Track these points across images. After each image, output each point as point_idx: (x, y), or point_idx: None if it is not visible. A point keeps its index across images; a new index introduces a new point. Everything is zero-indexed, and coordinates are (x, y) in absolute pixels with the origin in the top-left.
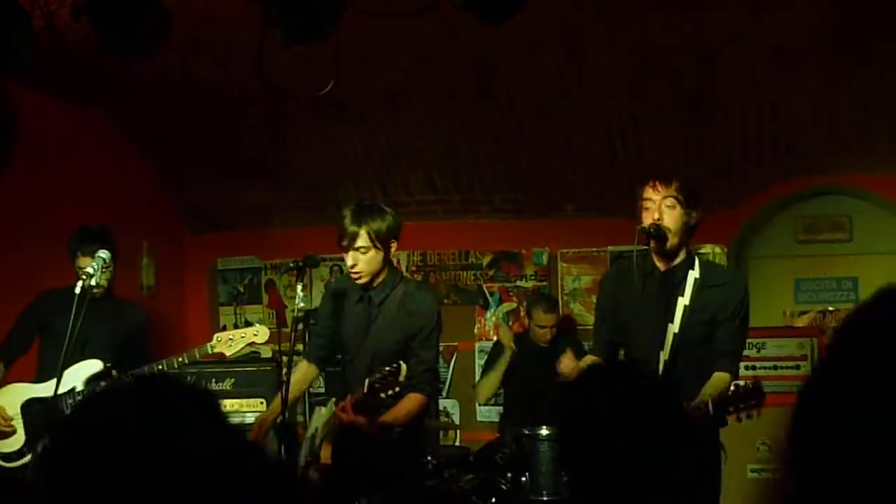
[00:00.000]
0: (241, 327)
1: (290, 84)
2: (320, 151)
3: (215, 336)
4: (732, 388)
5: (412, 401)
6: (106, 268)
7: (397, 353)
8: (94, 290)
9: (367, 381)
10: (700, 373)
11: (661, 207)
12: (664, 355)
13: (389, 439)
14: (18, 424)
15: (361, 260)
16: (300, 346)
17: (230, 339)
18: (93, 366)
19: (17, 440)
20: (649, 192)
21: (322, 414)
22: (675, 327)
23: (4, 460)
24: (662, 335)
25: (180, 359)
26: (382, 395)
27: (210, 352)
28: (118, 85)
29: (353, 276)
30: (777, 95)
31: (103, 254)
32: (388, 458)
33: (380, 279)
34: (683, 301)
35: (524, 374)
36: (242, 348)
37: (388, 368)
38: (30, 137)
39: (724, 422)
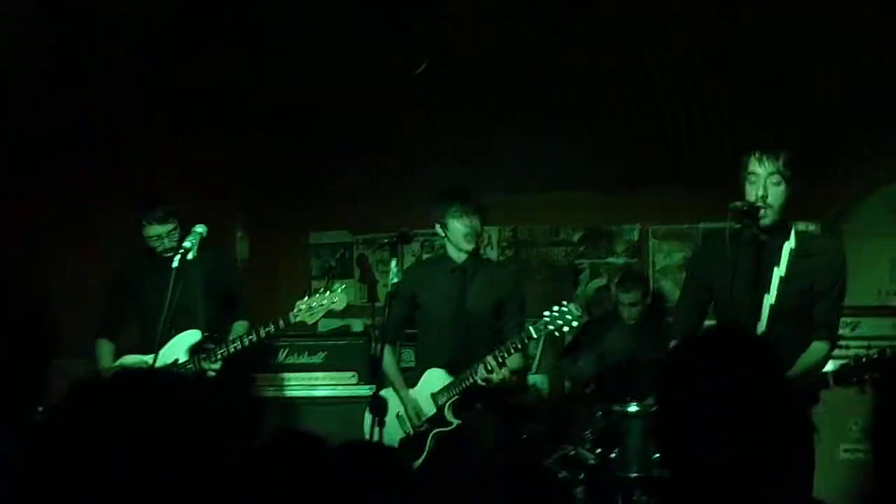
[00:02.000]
0: (327, 294)
1: (383, 63)
2: (411, 128)
3: (296, 305)
4: (854, 359)
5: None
6: (196, 238)
7: (489, 314)
8: (169, 254)
9: None
10: (797, 343)
11: (766, 184)
12: (760, 326)
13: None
14: None
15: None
16: None
17: (310, 307)
18: (192, 336)
19: None
20: (754, 165)
21: (437, 376)
22: (771, 298)
23: None
24: (758, 307)
25: (267, 328)
26: None
27: (293, 321)
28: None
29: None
30: (873, 68)
31: (200, 228)
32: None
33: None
34: (779, 272)
35: (613, 352)
36: (322, 316)
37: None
38: (121, 118)
39: (816, 399)
